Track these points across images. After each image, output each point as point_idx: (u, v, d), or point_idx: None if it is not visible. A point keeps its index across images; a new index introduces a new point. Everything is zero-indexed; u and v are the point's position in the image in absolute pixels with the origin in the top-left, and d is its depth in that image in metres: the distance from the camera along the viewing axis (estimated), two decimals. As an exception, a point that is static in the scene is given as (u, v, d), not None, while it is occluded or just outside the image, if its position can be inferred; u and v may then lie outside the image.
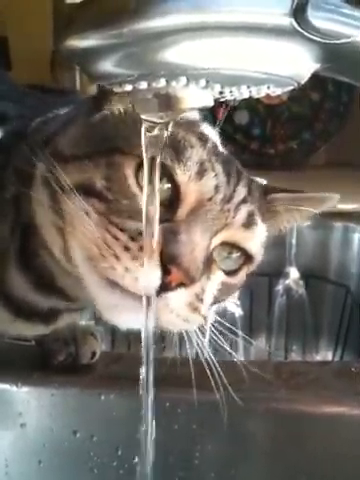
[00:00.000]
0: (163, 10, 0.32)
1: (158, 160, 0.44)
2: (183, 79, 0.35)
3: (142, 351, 0.53)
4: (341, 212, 1.37)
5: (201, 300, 0.52)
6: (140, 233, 0.48)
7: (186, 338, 0.56)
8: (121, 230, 0.49)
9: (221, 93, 0.36)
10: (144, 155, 0.44)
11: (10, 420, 0.71)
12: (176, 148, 0.51)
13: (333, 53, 0.36)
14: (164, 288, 0.48)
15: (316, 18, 0.33)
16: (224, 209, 0.53)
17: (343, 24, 0.35)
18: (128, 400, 0.70)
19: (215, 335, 0.59)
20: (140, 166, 0.49)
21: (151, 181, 0.45)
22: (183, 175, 0.51)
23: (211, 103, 0.38)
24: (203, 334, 0.56)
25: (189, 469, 0.71)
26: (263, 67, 0.35)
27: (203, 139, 0.54)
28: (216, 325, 0.60)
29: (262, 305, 1.34)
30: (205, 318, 0.55)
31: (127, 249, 0.48)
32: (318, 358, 1.37)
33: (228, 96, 0.36)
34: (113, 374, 0.74)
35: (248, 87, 0.36)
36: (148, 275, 0.47)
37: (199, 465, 0.71)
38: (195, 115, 0.56)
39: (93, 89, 0.54)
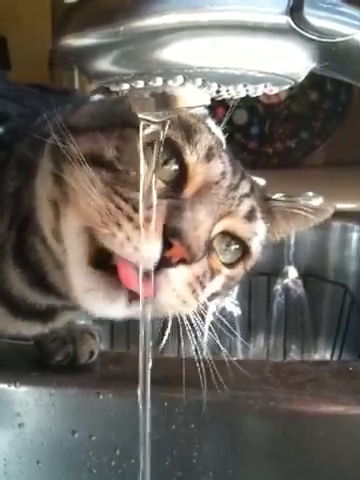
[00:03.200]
0: (159, 9, 0.32)
1: (160, 137, 0.44)
2: (180, 78, 0.35)
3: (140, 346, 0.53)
4: (339, 211, 1.36)
5: (201, 284, 0.52)
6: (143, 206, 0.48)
7: (187, 326, 0.55)
8: (125, 201, 0.49)
9: (218, 92, 0.36)
10: (141, 153, 0.44)
11: (8, 420, 0.71)
12: (187, 131, 0.52)
13: (330, 51, 0.36)
14: (164, 263, 0.48)
15: (313, 16, 0.33)
16: (229, 196, 0.54)
17: (340, 22, 0.35)
18: (127, 400, 0.70)
19: (213, 334, 0.59)
20: (149, 144, 0.49)
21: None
22: (192, 156, 0.52)
23: (208, 102, 0.38)
24: (202, 333, 0.56)
25: (187, 469, 0.71)
26: (260, 66, 0.35)
27: (211, 132, 0.55)
28: (215, 324, 0.60)
29: (260, 304, 1.34)
30: (204, 308, 0.55)
31: (130, 219, 0.48)
32: (316, 357, 1.37)
33: (225, 95, 0.37)
34: (112, 374, 0.74)
35: (245, 86, 0.36)
36: (149, 245, 0.47)
37: (197, 465, 0.71)
38: (205, 112, 0.57)
39: (92, 88, 0.54)
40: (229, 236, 0.56)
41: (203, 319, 0.55)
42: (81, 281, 0.51)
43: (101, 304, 0.51)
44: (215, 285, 0.56)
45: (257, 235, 0.59)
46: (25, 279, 0.60)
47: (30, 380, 0.72)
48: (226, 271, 0.57)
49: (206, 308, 0.56)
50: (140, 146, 0.44)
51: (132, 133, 0.50)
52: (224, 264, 0.57)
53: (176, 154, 0.52)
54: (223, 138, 0.58)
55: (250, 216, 0.57)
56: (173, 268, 0.49)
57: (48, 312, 0.64)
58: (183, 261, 0.49)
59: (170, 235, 0.48)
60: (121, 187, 0.49)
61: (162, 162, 0.51)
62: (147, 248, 0.47)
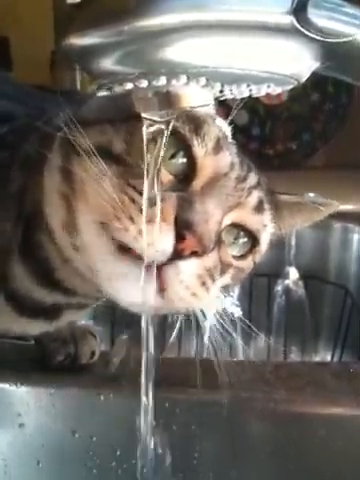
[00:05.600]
0: (163, 8, 0.32)
1: (166, 132, 0.44)
2: (183, 77, 0.35)
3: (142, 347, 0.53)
4: (340, 213, 1.36)
5: (212, 277, 0.52)
6: (153, 201, 0.47)
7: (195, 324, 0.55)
8: (138, 193, 0.48)
9: (221, 92, 0.36)
10: (145, 150, 0.44)
11: (9, 420, 0.71)
12: (195, 123, 0.52)
13: (333, 52, 0.36)
14: (176, 255, 0.48)
15: (316, 16, 0.33)
16: (238, 188, 0.54)
17: (343, 23, 0.35)
18: (127, 400, 0.70)
19: (214, 335, 0.59)
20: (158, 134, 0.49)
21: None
22: (200, 148, 0.52)
23: (211, 101, 0.38)
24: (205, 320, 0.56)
25: (188, 470, 0.71)
26: (263, 65, 0.35)
27: (217, 125, 0.55)
28: (215, 325, 0.60)
29: (261, 306, 1.34)
30: (213, 301, 0.55)
31: (142, 212, 0.47)
32: (317, 359, 1.37)
33: (228, 94, 0.37)
34: (112, 374, 0.74)
35: (248, 85, 0.36)
36: (162, 238, 0.47)
37: (198, 465, 0.71)
38: (212, 110, 0.57)
39: (93, 89, 0.54)
40: (238, 228, 0.56)
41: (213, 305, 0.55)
42: (109, 267, 0.50)
43: (130, 291, 0.50)
44: (225, 277, 0.56)
45: (266, 227, 0.59)
46: (32, 276, 0.60)
47: (31, 380, 0.72)
48: (236, 263, 0.57)
49: (217, 302, 0.56)
50: (144, 145, 0.44)
51: (140, 126, 0.49)
52: (233, 256, 0.56)
53: (184, 147, 0.52)
54: (228, 131, 0.58)
55: (259, 208, 0.57)
56: (184, 260, 0.49)
57: (53, 310, 0.64)
58: (194, 253, 0.49)
59: (182, 227, 0.48)
60: (134, 179, 0.49)
61: (170, 155, 0.51)
62: (160, 241, 0.47)
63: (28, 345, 0.75)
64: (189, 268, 0.49)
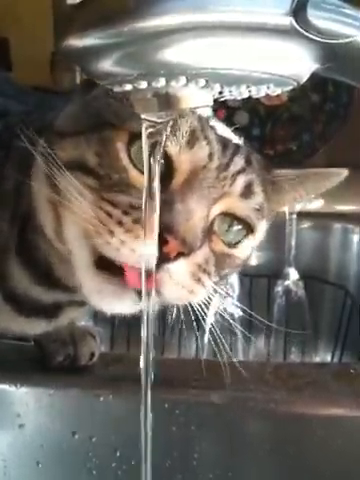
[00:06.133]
0: (163, 9, 0.32)
1: (160, 147, 0.44)
2: (182, 79, 0.35)
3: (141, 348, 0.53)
4: (340, 214, 1.37)
5: (204, 271, 0.52)
6: (132, 206, 0.48)
7: (194, 318, 0.55)
8: (113, 205, 0.49)
9: (221, 93, 0.36)
10: (144, 150, 0.44)
11: (8, 421, 0.71)
12: None
13: (333, 53, 0.36)
14: (164, 259, 0.48)
15: (316, 18, 0.33)
16: (220, 177, 0.53)
17: (343, 24, 0.35)
18: (127, 401, 0.70)
19: (214, 336, 0.59)
20: (132, 139, 0.50)
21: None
22: (173, 146, 0.51)
23: (211, 103, 0.38)
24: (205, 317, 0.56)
25: (187, 471, 0.71)
26: (263, 67, 0.35)
27: (195, 111, 0.53)
28: (215, 325, 0.59)
29: (261, 306, 1.34)
30: (213, 291, 0.55)
31: (120, 223, 0.48)
32: (317, 359, 1.37)
33: (228, 96, 0.36)
34: (112, 375, 0.74)
35: (248, 87, 0.36)
36: (144, 245, 0.47)
37: (197, 466, 0.71)
38: (210, 112, 0.56)
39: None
40: (230, 216, 0.55)
41: (210, 306, 0.55)
42: (89, 283, 0.52)
43: (110, 304, 0.52)
44: (221, 267, 0.56)
45: (259, 210, 0.57)
46: (30, 276, 0.60)
47: (30, 381, 0.72)
48: (231, 251, 0.56)
49: (216, 292, 0.56)
50: (143, 147, 0.44)
51: (110, 133, 0.50)
52: (228, 244, 0.56)
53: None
54: (212, 117, 0.56)
55: (247, 192, 0.55)
56: (172, 263, 0.49)
57: (52, 308, 0.64)
58: (181, 254, 0.49)
59: (164, 231, 0.47)
60: (107, 192, 0.49)
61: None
62: (143, 248, 0.47)
63: (28, 346, 0.75)
64: (180, 268, 0.50)
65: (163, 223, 0.47)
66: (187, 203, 0.50)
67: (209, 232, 0.53)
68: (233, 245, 0.56)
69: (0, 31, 1.83)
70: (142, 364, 0.53)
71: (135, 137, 0.49)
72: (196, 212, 0.50)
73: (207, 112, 0.55)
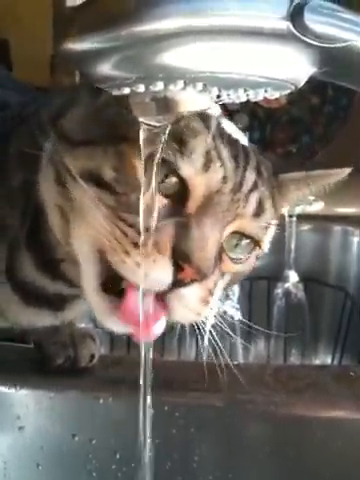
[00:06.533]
0: (161, 14, 0.32)
1: (158, 156, 0.44)
2: (180, 82, 0.35)
3: (141, 350, 0.53)
4: (340, 216, 1.37)
5: (212, 293, 0.52)
6: (148, 229, 0.46)
7: (190, 332, 0.55)
8: (130, 226, 0.47)
9: (218, 96, 0.36)
10: (142, 154, 0.44)
11: (8, 423, 0.71)
12: (179, 140, 0.49)
13: (330, 57, 0.36)
14: (177, 284, 0.48)
15: (313, 22, 0.33)
16: (234, 199, 0.52)
17: (340, 28, 0.35)
18: (127, 403, 0.70)
19: (214, 338, 0.59)
20: (149, 158, 0.47)
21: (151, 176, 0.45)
22: (188, 169, 0.49)
23: (208, 106, 0.38)
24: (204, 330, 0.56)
25: (187, 473, 0.71)
26: (260, 71, 0.35)
27: (206, 122, 0.52)
28: (215, 328, 0.60)
29: (261, 308, 1.34)
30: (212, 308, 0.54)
31: (136, 245, 0.47)
32: (317, 362, 1.37)
33: (225, 99, 0.37)
34: (112, 377, 0.74)
35: (245, 90, 0.36)
36: (160, 271, 0.47)
37: (197, 469, 0.71)
38: (218, 111, 0.54)
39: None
40: (239, 234, 0.55)
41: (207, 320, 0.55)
42: (93, 300, 0.51)
43: (117, 327, 0.51)
44: (225, 283, 0.55)
45: (268, 227, 0.57)
46: (36, 263, 0.59)
47: (30, 383, 0.72)
48: (236, 267, 0.56)
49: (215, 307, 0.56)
50: (142, 151, 0.44)
51: (128, 149, 0.48)
52: (235, 260, 0.55)
53: (171, 170, 0.49)
54: (222, 118, 0.55)
55: (259, 211, 0.54)
56: (185, 287, 0.48)
57: (58, 300, 0.63)
58: (195, 280, 0.48)
59: (180, 258, 0.47)
60: (124, 212, 0.48)
61: (163, 176, 0.49)
62: (157, 274, 0.47)
63: (27, 348, 0.75)
64: (191, 293, 0.49)
65: (179, 250, 0.47)
66: (202, 229, 0.49)
67: (219, 252, 0.52)
68: (240, 260, 0.56)
69: (0, 32, 1.83)
70: (141, 367, 0.53)
71: (153, 155, 0.46)
72: (210, 238, 0.49)
73: (216, 111, 0.53)
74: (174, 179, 0.50)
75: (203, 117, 0.51)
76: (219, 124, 0.54)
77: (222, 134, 0.53)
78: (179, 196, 0.50)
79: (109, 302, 0.50)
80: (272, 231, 0.59)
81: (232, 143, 0.54)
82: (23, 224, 0.59)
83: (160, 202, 0.49)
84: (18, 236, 0.59)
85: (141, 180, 0.46)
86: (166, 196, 0.50)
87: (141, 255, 0.46)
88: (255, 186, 0.54)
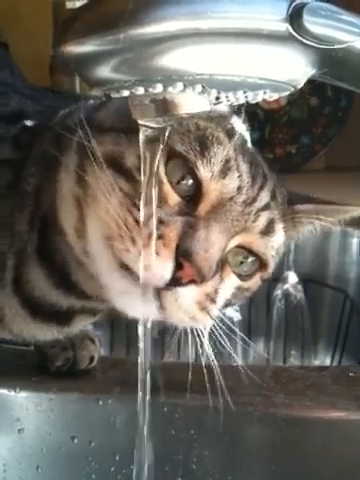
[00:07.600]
0: (160, 16, 0.32)
1: (159, 155, 0.44)
2: (179, 84, 0.35)
3: (140, 352, 0.53)
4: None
5: (212, 300, 0.52)
6: (160, 221, 0.47)
7: (189, 336, 0.55)
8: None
9: (217, 98, 0.36)
10: (141, 155, 0.44)
11: (8, 425, 0.71)
12: (203, 143, 0.51)
13: (329, 58, 0.36)
14: (174, 282, 0.48)
15: (312, 24, 0.33)
16: (245, 212, 0.53)
17: (339, 30, 0.35)
18: (126, 405, 0.70)
19: (214, 340, 0.59)
20: (169, 158, 0.50)
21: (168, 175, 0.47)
22: (206, 172, 0.50)
23: (208, 108, 0.38)
24: (203, 335, 0.56)
25: (186, 474, 0.71)
26: (259, 72, 0.35)
27: (231, 135, 0.53)
28: (215, 330, 0.59)
29: (261, 310, 1.34)
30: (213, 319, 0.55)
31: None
32: (316, 363, 1.37)
33: (224, 101, 0.37)
34: (111, 379, 0.74)
35: (244, 92, 0.36)
36: (161, 265, 0.47)
37: (196, 470, 0.71)
38: (225, 109, 0.55)
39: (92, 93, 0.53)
40: (245, 250, 0.55)
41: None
42: (114, 284, 0.51)
43: (134, 307, 0.51)
44: (228, 296, 0.56)
45: (275, 248, 0.57)
46: (49, 277, 0.59)
47: (30, 385, 0.71)
48: (241, 283, 0.56)
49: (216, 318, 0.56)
50: (141, 152, 0.44)
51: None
52: (239, 276, 0.56)
53: (189, 170, 0.51)
54: (248, 137, 0.57)
55: (267, 230, 0.55)
56: (182, 287, 0.49)
57: (66, 315, 0.63)
58: (193, 281, 0.49)
59: (181, 256, 0.47)
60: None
61: (177, 179, 0.50)
62: (159, 267, 0.47)
63: (27, 350, 0.75)
64: (188, 294, 0.50)
65: (182, 247, 0.48)
66: (209, 233, 0.49)
67: (223, 262, 0.53)
68: (244, 277, 0.56)
69: (0, 33, 1.83)
70: (140, 371, 0.53)
71: (173, 154, 0.49)
72: (216, 243, 0.50)
73: (244, 136, 0.55)
74: (190, 181, 0.51)
75: (229, 132, 0.53)
76: (244, 142, 0.55)
77: (244, 152, 0.54)
78: (191, 198, 0.51)
79: (129, 279, 0.49)
80: (280, 253, 0.59)
81: (253, 163, 0.55)
82: (31, 234, 0.59)
83: (174, 200, 0.50)
84: (26, 247, 0.59)
85: (141, 179, 0.47)
86: (181, 197, 0.51)
87: (145, 245, 0.47)
88: (267, 206, 0.55)
